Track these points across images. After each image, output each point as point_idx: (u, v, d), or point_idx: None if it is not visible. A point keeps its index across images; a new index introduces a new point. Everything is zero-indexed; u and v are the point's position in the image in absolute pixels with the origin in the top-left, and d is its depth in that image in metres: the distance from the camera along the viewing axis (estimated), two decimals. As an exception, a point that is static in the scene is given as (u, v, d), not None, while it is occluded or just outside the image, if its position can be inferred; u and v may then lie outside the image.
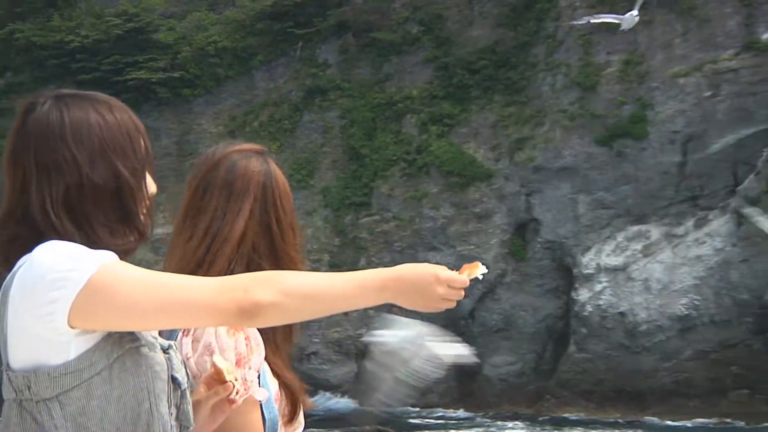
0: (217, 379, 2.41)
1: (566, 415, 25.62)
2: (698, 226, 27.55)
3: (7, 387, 2.19)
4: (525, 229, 29.16)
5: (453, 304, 2.37)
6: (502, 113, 30.52)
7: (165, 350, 2.25)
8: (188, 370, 2.42)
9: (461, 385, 27.24)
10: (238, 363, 2.48)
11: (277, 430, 2.60)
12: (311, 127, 32.67)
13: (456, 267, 2.47)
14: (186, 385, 2.28)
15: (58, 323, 2.10)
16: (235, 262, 2.69)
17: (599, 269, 27.51)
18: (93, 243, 2.18)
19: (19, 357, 2.16)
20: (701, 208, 27.89)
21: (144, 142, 2.29)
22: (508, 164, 29.66)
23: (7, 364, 2.19)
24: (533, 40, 31.06)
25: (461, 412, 26.43)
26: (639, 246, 27.64)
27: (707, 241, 27.14)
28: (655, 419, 24.71)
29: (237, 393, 2.41)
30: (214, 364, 2.42)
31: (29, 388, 2.14)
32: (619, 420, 24.79)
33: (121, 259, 2.20)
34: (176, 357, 2.28)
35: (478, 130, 30.78)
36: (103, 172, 2.20)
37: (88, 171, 2.19)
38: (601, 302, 26.92)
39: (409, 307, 2.33)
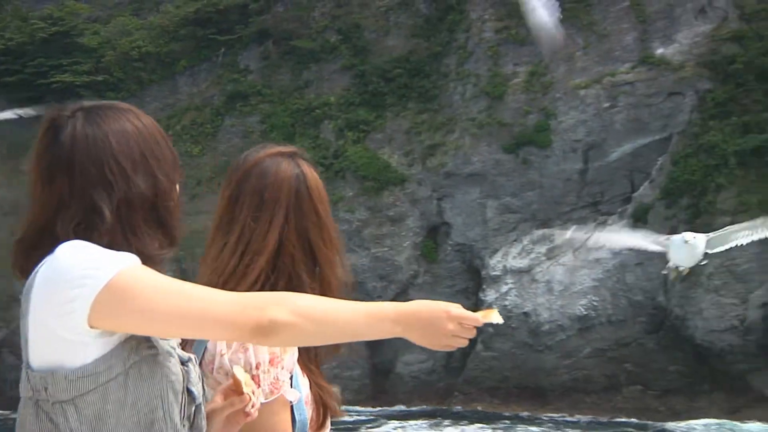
0: (235, 390, 2.40)
1: (473, 409, 26.85)
2: (597, 230, 28.85)
3: (25, 385, 2.18)
4: (436, 233, 30.24)
5: (464, 342, 2.33)
6: (416, 120, 31.51)
7: (184, 362, 2.24)
8: (218, 369, 2.48)
9: (374, 383, 28.34)
10: (271, 362, 2.47)
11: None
12: (232, 131, 33.35)
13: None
14: (201, 400, 2.26)
15: (77, 322, 2.09)
16: (273, 274, 2.64)
17: (505, 271, 28.72)
18: (141, 254, 2.18)
19: (39, 355, 2.15)
20: (601, 214, 29.22)
21: (169, 146, 2.30)
22: (421, 169, 30.67)
23: (27, 362, 2.18)
24: (445, 51, 32.06)
25: (373, 409, 27.48)
26: (543, 249, 28.91)
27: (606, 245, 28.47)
28: (554, 414, 26.03)
29: (253, 406, 2.40)
30: (233, 375, 2.41)
31: (46, 389, 2.13)
32: (520, 414, 26.06)
33: (157, 265, 2.22)
34: (194, 371, 2.26)
35: (392, 136, 31.74)
36: (145, 181, 2.21)
37: (135, 182, 2.19)
38: (507, 303, 28.11)
39: (419, 343, 2.32)
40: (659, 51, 29.85)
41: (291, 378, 2.51)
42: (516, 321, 27.87)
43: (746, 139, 27.71)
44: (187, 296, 2.11)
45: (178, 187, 2.30)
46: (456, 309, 2.31)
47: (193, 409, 2.22)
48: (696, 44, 29.60)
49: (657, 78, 29.47)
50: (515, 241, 29.27)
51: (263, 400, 2.43)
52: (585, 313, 27.62)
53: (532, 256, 28.92)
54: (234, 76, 33.89)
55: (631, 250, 28.09)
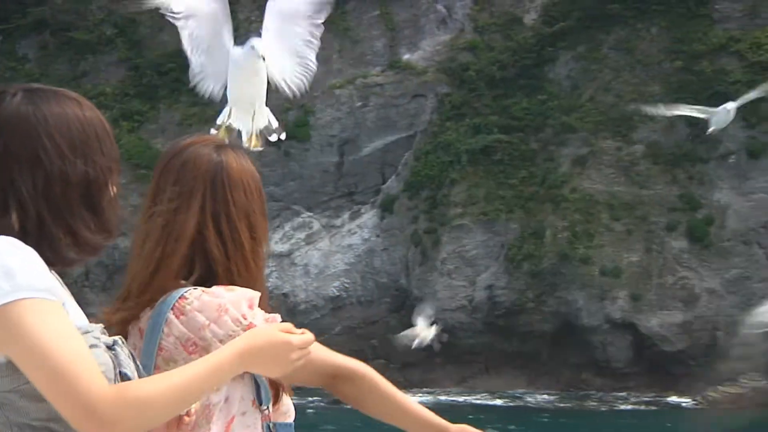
0: None
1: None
2: (352, 218, 31.45)
3: None
4: (206, 219, 32.05)
5: (303, 362, 2.36)
6: (187, 113, 32.98)
7: (110, 347, 2.13)
8: (197, 339, 2.43)
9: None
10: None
11: (269, 402, 2.56)
12: (12, 119, 33.89)
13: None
14: (135, 377, 2.15)
15: None
16: (195, 261, 2.59)
17: (268, 255, 30.84)
18: (73, 236, 2.12)
19: None
20: (356, 203, 31.73)
21: (111, 143, 2.22)
22: (192, 160, 32.28)
23: None
24: (215, 47, 33.53)
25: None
26: (302, 235, 31.24)
27: (357, 231, 31.11)
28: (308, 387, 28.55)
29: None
30: None
31: None
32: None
33: (89, 256, 2.18)
34: (123, 352, 2.15)
35: (165, 127, 33.13)
36: (79, 167, 2.11)
37: (68, 164, 2.10)
38: (269, 285, 30.06)
39: (265, 374, 2.34)
40: (406, 57, 32.37)
41: None
42: (276, 301, 30.13)
43: (476, 139, 30.71)
44: (59, 354, 1.94)
45: (115, 186, 2.21)
46: (297, 338, 2.31)
47: None
48: (437, 52, 32.29)
49: (403, 81, 32.02)
50: (278, 227, 31.40)
51: None
52: (337, 294, 30.20)
53: (293, 241, 31.18)
54: (12, 63, 34.28)
55: (378, 236, 30.92)
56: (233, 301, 2.45)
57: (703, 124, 27.05)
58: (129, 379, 2.12)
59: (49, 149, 2.09)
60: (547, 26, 31.40)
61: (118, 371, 2.11)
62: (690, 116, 27.12)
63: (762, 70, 28.83)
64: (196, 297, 2.47)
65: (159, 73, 33.57)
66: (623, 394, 28.39)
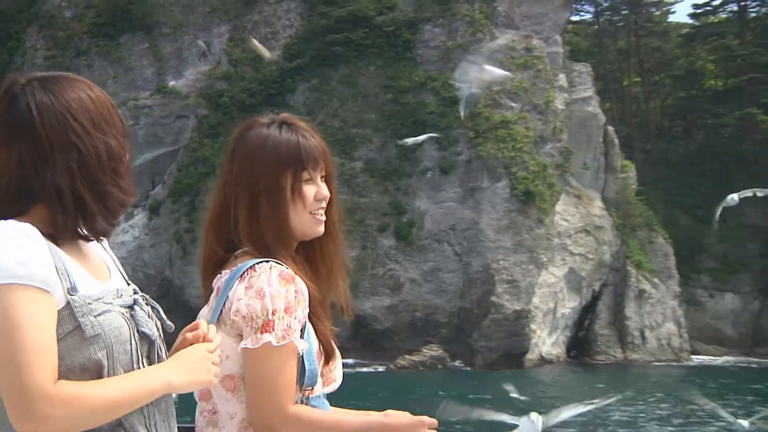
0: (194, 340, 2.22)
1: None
2: (125, 219, 35.84)
3: None
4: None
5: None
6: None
7: (130, 307, 2.13)
8: (234, 312, 2.42)
9: None
10: (286, 310, 2.40)
11: (315, 382, 2.51)
12: None
13: None
14: (155, 336, 2.16)
15: None
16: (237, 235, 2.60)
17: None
18: (106, 206, 2.14)
19: None
20: (132, 206, 36.03)
21: (119, 116, 2.22)
22: None
23: None
24: (5, 70, 37.01)
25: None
26: (82, 233, 35.49)
27: (129, 230, 35.59)
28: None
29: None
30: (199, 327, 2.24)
31: None
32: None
33: (117, 221, 2.21)
34: (141, 312, 2.15)
35: None
36: (104, 142, 2.12)
37: (97, 141, 2.11)
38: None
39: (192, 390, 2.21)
40: (171, 83, 36.89)
41: (303, 330, 2.44)
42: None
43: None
44: (17, 347, 1.92)
45: (128, 153, 2.22)
46: (208, 349, 2.19)
47: (147, 347, 2.14)
48: (198, 80, 36.98)
49: (169, 104, 36.58)
50: (61, 227, 35.51)
51: (275, 344, 2.38)
52: (111, 284, 34.66)
53: (74, 239, 35.37)
54: None
55: (147, 235, 35.51)
56: (274, 295, 2.42)
57: (409, 145, 33.02)
58: (148, 335, 2.13)
59: (79, 131, 2.09)
60: (287, 62, 36.55)
61: (135, 331, 2.11)
62: (397, 138, 33.04)
63: (452, 103, 34.88)
64: (264, 271, 2.45)
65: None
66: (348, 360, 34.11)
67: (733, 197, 22.12)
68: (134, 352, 2.09)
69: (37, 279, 1.97)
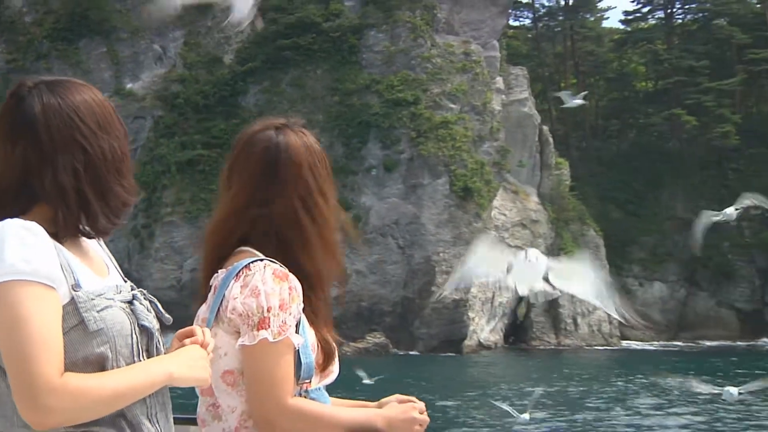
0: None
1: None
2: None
3: None
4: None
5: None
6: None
7: (130, 302, 2.17)
8: (230, 310, 2.45)
9: None
10: (281, 307, 2.43)
11: (312, 374, 2.54)
12: None
13: None
14: (155, 329, 2.21)
15: None
16: (254, 234, 2.61)
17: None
18: (109, 205, 2.16)
19: None
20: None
21: (119, 118, 2.24)
22: None
23: None
24: (-33, 72, 38.25)
25: None
26: (43, 229, 36.84)
27: (89, 226, 36.99)
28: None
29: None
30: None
31: None
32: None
33: (120, 220, 2.23)
34: (141, 306, 2.20)
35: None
36: (108, 143, 2.16)
37: (102, 142, 2.14)
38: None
39: (190, 385, 2.27)
40: (129, 86, 38.37)
41: (297, 325, 2.48)
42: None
43: (184, 153, 37.27)
44: (22, 338, 1.96)
45: (128, 161, 2.22)
46: (201, 347, 2.25)
47: (146, 340, 2.18)
48: (154, 83, 38.51)
49: (127, 105, 38.05)
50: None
51: (272, 340, 2.42)
52: (72, 277, 36.11)
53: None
54: None
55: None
56: (269, 292, 2.44)
57: (355, 144, 34.85)
58: (149, 330, 2.17)
59: (86, 132, 2.12)
60: (240, 65, 38.25)
61: (136, 325, 2.14)
62: (343, 138, 34.83)
63: (394, 105, 36.85)
64: (258, 269, 2.47)
65: None
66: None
67: (730, 213, 19.25)
68: (135, 345, 2.14)
69: (42, 275, 2.00)
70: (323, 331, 2.60)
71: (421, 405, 2.62)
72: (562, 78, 55.89)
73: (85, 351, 2.04)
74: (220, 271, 2.54)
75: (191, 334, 2.24)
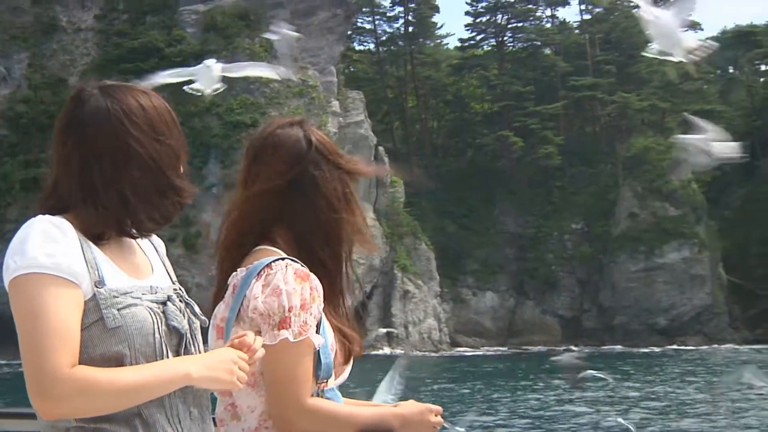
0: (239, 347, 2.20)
1: None
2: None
3: None
4: None
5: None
6: None
7: (162, 303, 2.16)
8: (251, 309, 2.40)
9: None
10: (302, 307, 2.39)
11: (330, 375, 2.50)
12: None
13: None
14: (185, 329, 2.18)
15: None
16: (274, 234, 2.56)
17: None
18: (154, 208, 2.16)
19: None
20: (-70, 218, 37.40)
21: (178, 128, 2.25)
22: None
23: None
24: None
25: None
26: None
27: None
28: None
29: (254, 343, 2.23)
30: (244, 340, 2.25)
31: None
32: None
33: (166, 223, 2.23)
34: (173, 307, 2.18)
35: None
36: (158, 149, 2.16)
37: (151, 147, 2.14)
38: None
39: (212, 388, 2.19)
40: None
41: (318, 325, 2.44)
42: None
43: (28, 171, 37.67)
44: (39, 329, 1.97)
45: (182, 165, 2.23)
46: (237, 353, 2.19)
47: (176, 341, 2.16)
48: (-1, 103, 38.78)
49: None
50: None
51: (292, 340, 2.38)
52: None
53: None
54: None
55: None
56: (290, 292, 2.40)
57: (196, 164, 35.85)
58: (178, 329, 2.15)
59: (137, 136, 2.12)
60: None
61: (163, 324, 2.12)
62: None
63: (233, 127, 38.15)
64: (280, 269, 2.43)
65: None
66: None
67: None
68: (158, 344, 2.10)
69: (62, 270, 2.01)
70: (342, 326, 2.58)
71: (438, 408, 2.59)
72: (404, 100, 58.18)
73: (103, 347, 2.04)
74: (239, 269, 2.48)
75: (245, 343, 2.20)
